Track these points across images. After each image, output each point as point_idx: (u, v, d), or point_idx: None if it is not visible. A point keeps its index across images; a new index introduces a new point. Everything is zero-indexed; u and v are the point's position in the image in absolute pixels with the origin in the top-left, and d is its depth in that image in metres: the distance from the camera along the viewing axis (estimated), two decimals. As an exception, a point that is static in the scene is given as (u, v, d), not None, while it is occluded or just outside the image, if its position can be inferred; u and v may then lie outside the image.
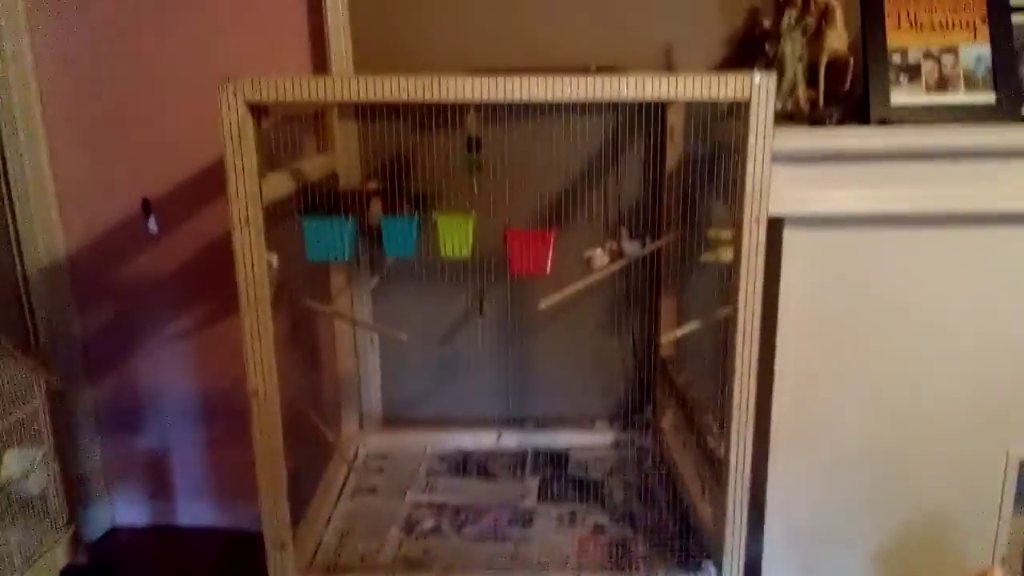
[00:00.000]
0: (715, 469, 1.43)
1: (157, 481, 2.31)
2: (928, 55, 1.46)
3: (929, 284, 1.51)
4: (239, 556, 2.22)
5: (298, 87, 1.19)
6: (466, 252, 1.39)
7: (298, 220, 1.38)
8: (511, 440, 2.00)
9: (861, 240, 1.50)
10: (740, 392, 1.29)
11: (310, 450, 1.76)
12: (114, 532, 2.34)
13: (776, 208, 1.41)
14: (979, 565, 1.56)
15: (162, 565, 2.20)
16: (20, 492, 1.39)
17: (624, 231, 1.61)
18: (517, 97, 1.19)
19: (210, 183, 2.03)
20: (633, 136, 1.86)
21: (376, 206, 1.69)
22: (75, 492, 2.20)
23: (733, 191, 1.28)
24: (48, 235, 2.05)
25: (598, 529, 1.62)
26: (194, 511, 2.32)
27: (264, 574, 1.39)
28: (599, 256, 1.62)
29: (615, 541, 1.57)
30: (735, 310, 1.28)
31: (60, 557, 1.46)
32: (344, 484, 1.83)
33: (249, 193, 1.24)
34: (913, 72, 1.45)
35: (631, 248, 1.60)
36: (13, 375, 1.37)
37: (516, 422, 2.05)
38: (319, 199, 1.57)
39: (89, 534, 2.26)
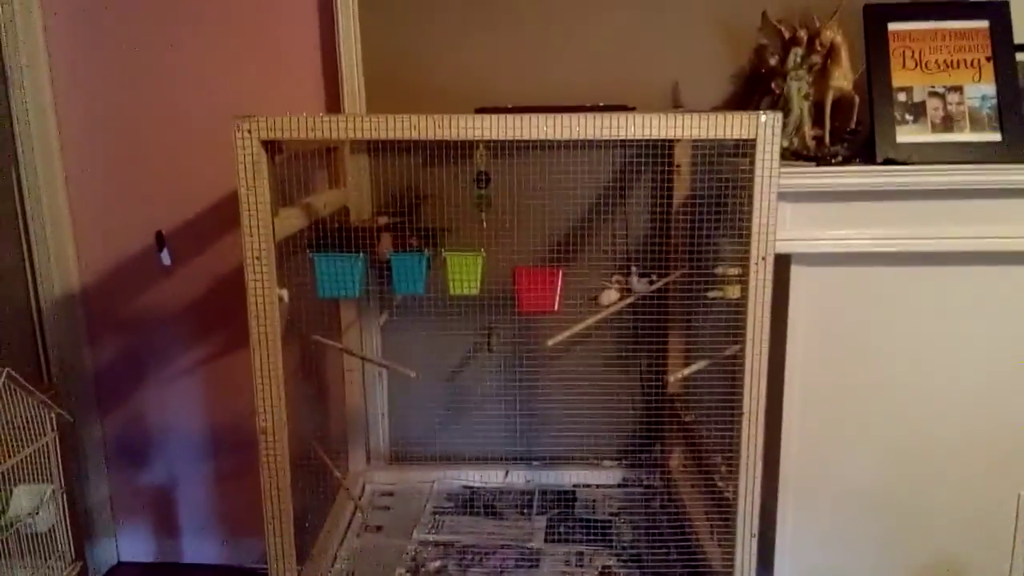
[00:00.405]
0: (723, 510, 1.42)
1: (163, 516, 2.30)
2: (933, 94, 1.47)
3: (937, 322, 1.51)
4: (243, 594, 2.20)
5: (312, 126, 1.21)
6: (475, 290, 1.39)
7: (309, 256, 1.39)
8: (518, 477, 1.98)
9: (868, 277, 1.50)
10: (748, 431, 1.28)
11: (317, 485, 1.75)
12: (119, 568, 2.32)
13: (783, 245, 1.41)
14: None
15: (166, 602, 2.18)
16: (28, 529, 1.38)
17: (634, 268, 1.61)
18: (525, 135, 1.20)
19: (223, 217, 2.06)
20: (640, 172, 1.88)
21: (387, 241, 1.70)
22: (81, 527, 2.19)
23: (740, 228, 1.29)
24: (63, 268, 2.07)
25: (605, 571, 1.60)
26: (199, 548, 2.31)
27: (269, 613, 1.38)
28: (607, 294, 1.62)
29: (623, 583, 1.55)
30: (742, 348, 1.28)
31: (65, 594, 1.44)
32: (350, 522, 1.82)
33: (262, 229, 1.25)
34: (918, 111, 1.46)
35: (639, 286, 1.61)
36: (25, 410, 1.38)
37: (523, 459, 2.04)
38: (330, 234, 1.59)
39: (94, 569, 2.25)
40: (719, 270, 1.58)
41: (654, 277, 1.67)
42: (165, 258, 2.11)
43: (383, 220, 1.85)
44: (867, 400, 1.54)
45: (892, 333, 1.52)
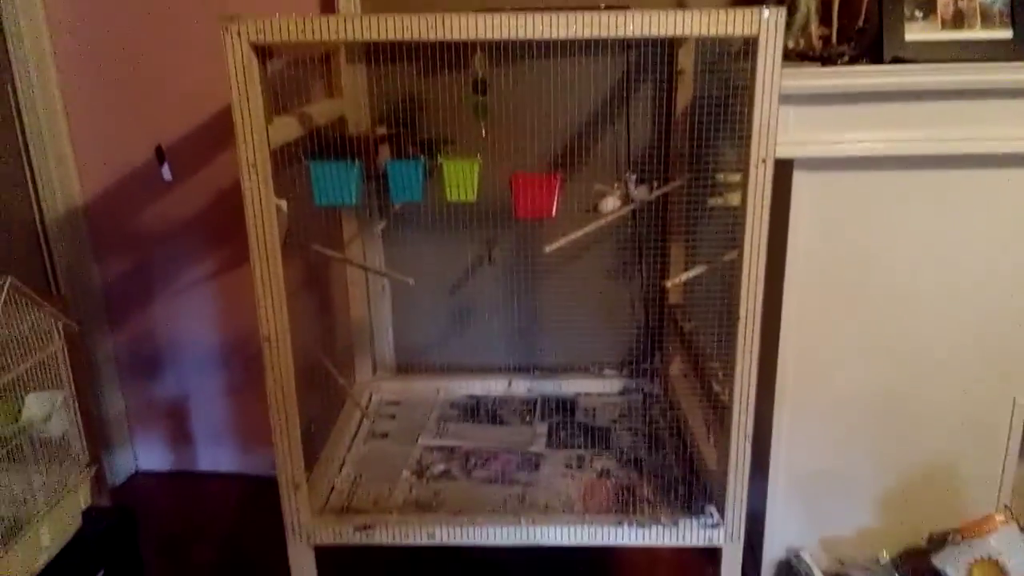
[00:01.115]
0: (720, 414, 1.44)
1: (178, 427, 2.37)
2: (945, -11, 1.41)
3: (940, 227, 1.50)
4: (258, 500, 2.28)
5: (301, 28, 1.18)
6: (472, 197, 1.39)
7: (304, 164, 1.38)
8: (521, 387, 2.02)
9: (872, 182, 1.48)
10: (745, 335, 1.29)
11: (324, 397, 1.79)
12: (137, 477, 2.41)
13: (785, 150, 1.39)
14: (982, 512, 1.56)
15: (184, 509, 2.26)
16: (42, 434, 1.42)
17: (632, 176, 1.59)
18: (523, 35, 1.17)
19: (223, 130, 2.04)
20: (643, 79, 1.84)
21: (385, 152, 1.69)
22: (98, 438, 2.26)
23: (743, 133, 1.27)
24: (65, 184, 2.07)
25: (604, 474, 1.65)
26: (214, 457, 2.38)
27: (280, 516, 1.43)
28: (607, 201, 1.61)
29: (621, 485, 1.60)
30: (740, 253, 1.27)
31: (83, 498, 1.50)
32: (357, 429, 1.87)
33: (256, 136, 1.24)
34: (929, 7, 1.40)
35: (639, 193, 1.59)
36: (33, 321, 1.40)
37: (526, 370, 2.07)
38: (327, 145, 1.57)
39: (112, 479, 2.33)
40: (720, 177, 1.57)
41: (655, 185, 1.65)
42: (166, 173, 2.11)
43: (381, 131, 1.83)
44: (866, 306, 1.55)
45: (893, 239, 1.51)
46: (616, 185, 1.59)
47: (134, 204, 2.16)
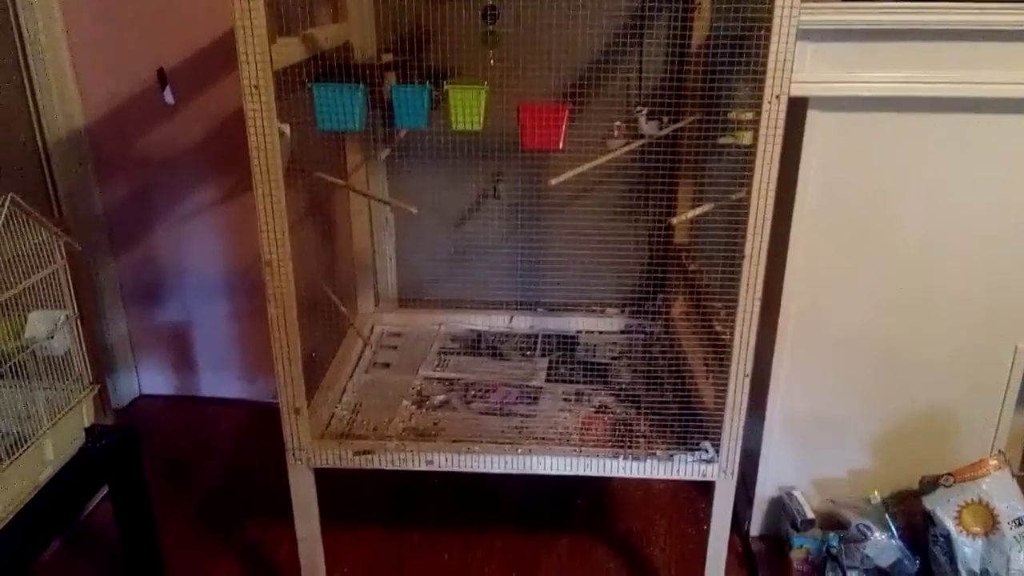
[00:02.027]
0: (720, 352, 1.45)
1: (181, 353, 2.39)
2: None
3: (954, 173, 1.47)
4: (260, 426, 2.31)
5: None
6: (478, 125, 1.36)
7: (308, 87, 1.35)
8: (522, 323, 2.02)
9: (888, 124, 1.45)
10: (749, 274, 1.28)
11: (326, 327, 1.80)
12: (140, 400, 2.44)
13: (800, 88, 1.36)
14: (976, 458, 1.58)
15: (186, 432, 2.30)
16: (45, 352, 1.43)
17: (643, 111, 1.55)
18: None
19: (226, 54, 2.00)
20: (659, 10, 1.79)
21: (390, 80, 1.66)
22: (101, 361, 2.28)
23: (758, 70, 1.23)
24: (66, 107, 2.04)
25: (602, 408, 1.66)
26: (217, 382, 2.41)
27: (281, 441, 1.45)
28: (616, 137, 1.58)
29: (618, 420, 1.61)
30: (749, 191, 1.26)
31: (86, 415, 1.52)
32: (359, 359, 1.88)
33: (258, 55, 1.21)
34: (958, -60, 1.35)
35: (649, 129, 1.56)
36: (35, 239, 1.39)
37: (528, 306, 2.07)
38: (332, 70, 1.54)
39: (117, 402, 2.36)
40: (733, 115, 1.53)
41: (666, 121, 1.62)
42: (168, 96, 2.07)
43: (387, 58, 1.79)
44: (872, 250, 1.53)
45: (905, 183, 1.49)
46: (619, 124, 1.54)
47: (136, 128, 2.13)
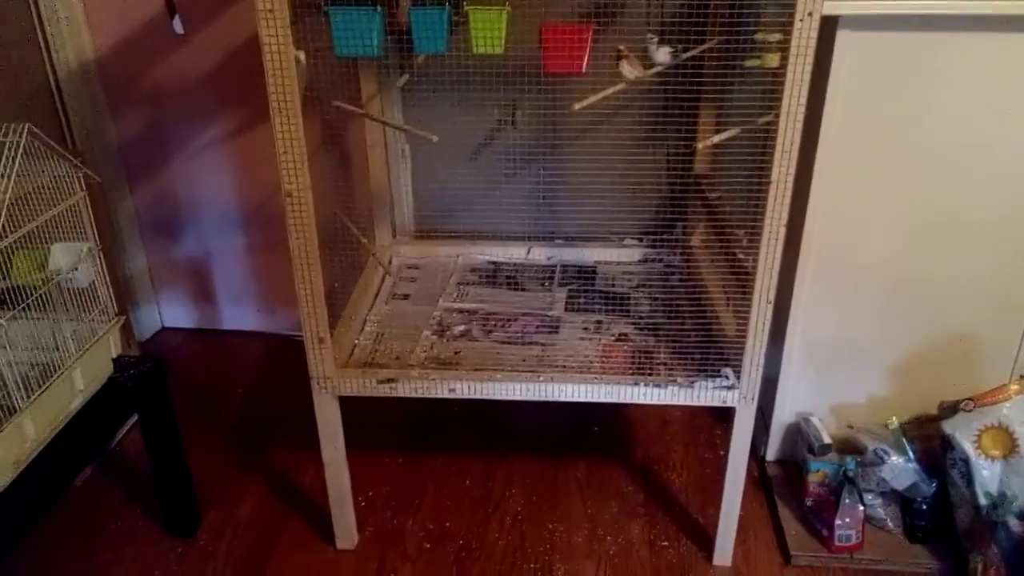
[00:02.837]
0: (742, 281, 1.44)
1: (201, 286, 2.41)
2: None
3: (981, 95, 1.43)
4: (281, 357, 2.35)
5: None
6: (499, 48, 1.33)
7: (324, 11, 1.32)
8: (540, 254, 2.02)
9: (919, 45, 1.40)
10: (775, 199, 1.26)
11: (344, 259, 1.80)
12: (162, 333, 2.47)
13: (830, 7, 1.31)
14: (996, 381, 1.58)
15: (209, 363, 2.34)
16: (69, 284, 1.44)
17: (654, 38, 1.49)
18: None
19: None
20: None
21: (406, 4, 1.61)
22: (123, 294, 2.31)
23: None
24: (76, 39, 2.01)
25: (622, 337, 1.67)
26: (237, 315, 2.43)
27: (304, 372, 1.47)
28: (624, 64, 1.51)
29: (638, 348, 1.62)
30: (777, 114, 1.23)
31: (114, 346, 1.54)
32: (378, 290, 1.89)
33: (272, -22, 1.18)
34: None
35: (660, 56, 1.50)
36: (54, 171, 1.39)
37: (546, 237, 2.06)
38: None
39: (139, 335, 2.40)
40: (759, 35, 1.49)
41: (684, 47, 1.56)
42: (177, 26, 2.03)
43: (402, -19, 1.74)
44: (898, 174, 1.51)
45: (936, 106, 1.45)
46: (621, 49, 1.48)
47: (147, 59, 2.10)
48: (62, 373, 1.37)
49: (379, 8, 1.31)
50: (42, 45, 1.90)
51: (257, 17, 1.20)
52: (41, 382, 1.32)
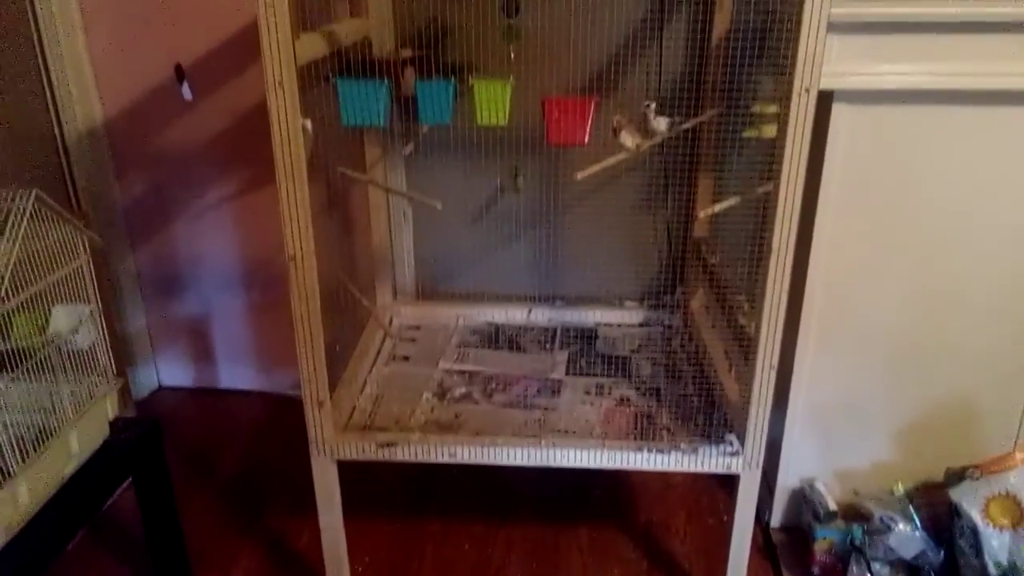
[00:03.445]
0: (744, 346, 1.44)
1: (199, 345, 2.40)
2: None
3: (978, 166, 1.46)
4: (279, 417, 2.32)
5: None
6: (503, 120, 1.36)
7: (332, 83, 1.35)
8: (541, 316, 2.02)
9: (913, 117, 1.44)
10: (776, 267, 1.27)
11: (345, 320, 1.80)
12: (160, 392, 2.45)
13: (826, 81, 1.34)
14: (1000, 451, 1.57)
15: (206, 423, 2.31)
16: (69, 346, 1.43)
17: (652, 106, 1.52)
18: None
19: (243, 49, 2.00)
20: (679, 6, 1.77)
21: (410, 75, 1.65)
22: (121, 354, 2.29)
23: (782, 62, 1.23)
24: (85, 102, 2.04)
25: (624, 401, 1.66)
26: (235, 375, 2.42)
27: (303, 433, 1.46)
28: (624, 134, 1.54)
29: (640, 413, 1.61)
30: (776, 185, 1.25)
31: (111, 408, 1.52)
32: (379, 352, 1.88)
33: (283, 51, 1.21)
34: (988, -70, 1.34)
35: (658, 125, 1.53)
36: (59, 234, 1.40)
37: (547, 299, 2.07)
38: (352, 66, 1.54)
39: (136, 394, 2.38)
40: (756, 108, 1.53)
41: (683, 116, 1.60)
42: (186, 92, 2.07)
43: (407, 53, 1.78)
44: (897, 241, 1.53)
45: (930, 176, 1.48)
46: (618, 119, 1.51)
47: (154, 123, 2.13)
48: (57, 439, 1.35)
49: (386, 80, 1.34)
50: (51, 109, 1.94)
51: (267, 88, 1.23)
52: (36, 445, 1.30)
